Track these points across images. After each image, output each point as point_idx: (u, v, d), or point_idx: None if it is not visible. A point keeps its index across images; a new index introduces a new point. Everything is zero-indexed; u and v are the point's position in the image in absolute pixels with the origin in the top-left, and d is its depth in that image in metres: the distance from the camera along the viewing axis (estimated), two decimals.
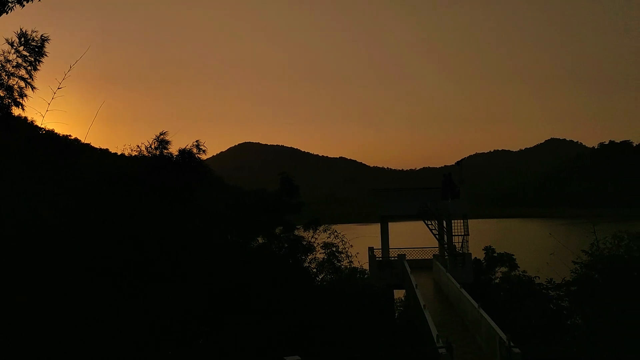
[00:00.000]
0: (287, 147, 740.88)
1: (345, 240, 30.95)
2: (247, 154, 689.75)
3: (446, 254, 32.69)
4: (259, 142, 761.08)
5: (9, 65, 13.49)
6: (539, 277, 32.37)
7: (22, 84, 13.79)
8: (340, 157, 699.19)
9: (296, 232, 27.10)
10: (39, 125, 15.32)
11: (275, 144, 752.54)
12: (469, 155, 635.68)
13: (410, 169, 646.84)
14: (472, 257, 33.06)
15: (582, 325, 25.41)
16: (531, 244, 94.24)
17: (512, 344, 13.75)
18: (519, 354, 13.41)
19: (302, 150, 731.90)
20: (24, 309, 11.47)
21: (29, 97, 13.78)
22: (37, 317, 11.64)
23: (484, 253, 37.73)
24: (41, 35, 13.78)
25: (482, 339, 17.09)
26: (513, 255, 36.85)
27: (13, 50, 13.48)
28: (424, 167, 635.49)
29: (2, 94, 13.50)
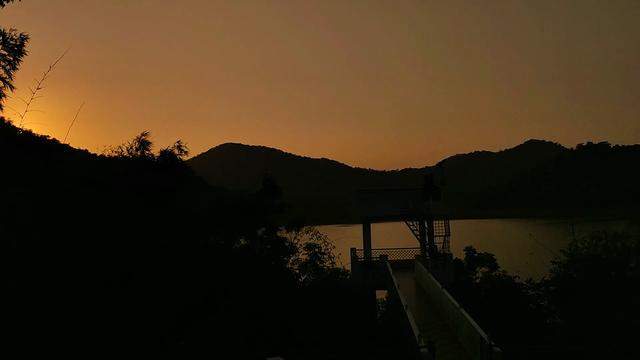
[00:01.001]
0: (269, 148, 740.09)
1: (327, 241, 30.98)
2: (228, 155, 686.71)
3: (428, 255, 32.92)
4: (240, 143, 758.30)
5: None
6: (519, 277, 32.77)
7: (1, 83, 13.58)
8: (322, 158, 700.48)
9: (279, 234, 27.05)
10: (17, 126, 15.10)
11: (256, 145, 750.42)
12: (450, 156, 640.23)
13: (392, 170, 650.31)
14: (453, 258, 33.34)
15: (561, 323, 25.80)
16: (511, 244, 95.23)
17: (492, 342, 13.95)
18: (499, 352, 13.61)
19: (284, 152, 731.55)
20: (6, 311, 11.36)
21: (7, 97, 13.57)
22: (15, 321, 11.52)
23: (465, 253, 38.11)
24: (20, 34, 13.57)
25: (463, 338, 17.28)
26: (493, 255, 37.28)
27: None
28: (405, 168, 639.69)
29: None
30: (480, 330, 15.19)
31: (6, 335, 11.09)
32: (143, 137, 19.02)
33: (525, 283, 31.40)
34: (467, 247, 38.65)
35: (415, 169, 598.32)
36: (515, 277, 32.95)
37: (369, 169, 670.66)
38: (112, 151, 19.35)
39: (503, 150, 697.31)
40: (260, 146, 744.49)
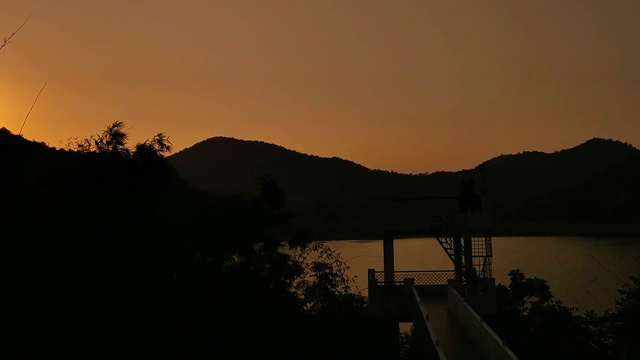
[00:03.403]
0: (268, 144, 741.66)
1: (340, 260, 30.97)
2: (217, 152, 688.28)
3: (464, 279, 32.88)
4: (232, 138, 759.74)
5: None
6: (577, 309, 32.67)
7: None
8: (334, 158, 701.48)
9: (280, 250, 27.11)
10: None
11: (253, 140, 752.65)
12: (493, 158, 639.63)
13: (421, 174, 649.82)
14: (496, 284, 33.27)
15: None
16: (568, 268, 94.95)
17: None
18: None
19: (287, 149, 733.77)
20: None
21: None
22: None
23: (510, 278, 38.03)
24: None
25: None
26: (546, 281, 37.16)
27: None
28: (437, 172, 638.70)
29: None
30: None
31: None
32: (115, 128, 19.21)
33: (585, 317, 31.28)
34: (513, 270, 38.56)
35: (449, 172, 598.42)
36: (572, 309, 32.84)
37: (392, 171, 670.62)
38: (78, 145, 19.53)
39: (559, 151, 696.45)
40: (257, 141, 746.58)
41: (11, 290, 13.33)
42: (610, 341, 28.88)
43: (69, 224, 15.25)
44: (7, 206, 14.91)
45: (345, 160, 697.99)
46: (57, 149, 23.58)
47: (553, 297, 35.64)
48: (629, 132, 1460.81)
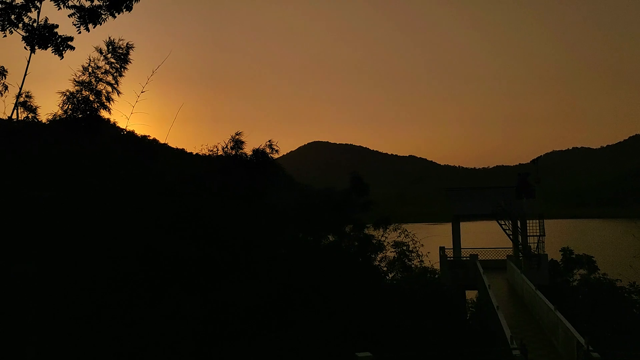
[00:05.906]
0: (356, 145, 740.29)
1: (415, 239, 30.71)
2: (316, 153, 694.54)
3: (521, 255, 31.89)
4: (327, 141, 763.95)
5: (98, 72, 14.48)
6: (620, 280, 31.02)
7: (109, 88, 14.77)
8: (410, 156, 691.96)
9: (366, 231, 27.17)
10: (123, 127, 16.26)
11: (343, 143, 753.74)
12: (545, 153, 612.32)
13: (483, 167, 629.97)
14: (548, 259, 32.08)
15: None
16: (613, 246, 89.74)
17: (590, 347, 13.38)
18: (598, 358, 13.03)
19: (371, 149, 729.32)
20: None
21: (114, 101, 14.73)
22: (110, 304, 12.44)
23: (561, 254, 36.61)
24: (127, 44, 14.70)
25: (558, 342, 16.66)
26: (592, 257, 35.51)
27: (102, 58, 14.45)
28: (497, 166, 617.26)
29: (92, 98, 14.51)
30: (577, 334, 14.60)
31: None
32: (237, 136, 19.83)
33: (628, 287, 29.67)
34: (564, 247, 37.05)
35: (508, 166, 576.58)
36: (617, 280, 31.20)
37: (459, 166, 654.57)
38: (208, 150, 20.32)
39: (604, 146, 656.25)
40: (347, 144, 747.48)
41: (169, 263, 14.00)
42: None
43: (202, 210, 15.92)
44: (159, 197, 15.73)
45: (419, 157, 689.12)
46: (194, 153, 24.59)
47: (599, 270, 34.05)
48: None
